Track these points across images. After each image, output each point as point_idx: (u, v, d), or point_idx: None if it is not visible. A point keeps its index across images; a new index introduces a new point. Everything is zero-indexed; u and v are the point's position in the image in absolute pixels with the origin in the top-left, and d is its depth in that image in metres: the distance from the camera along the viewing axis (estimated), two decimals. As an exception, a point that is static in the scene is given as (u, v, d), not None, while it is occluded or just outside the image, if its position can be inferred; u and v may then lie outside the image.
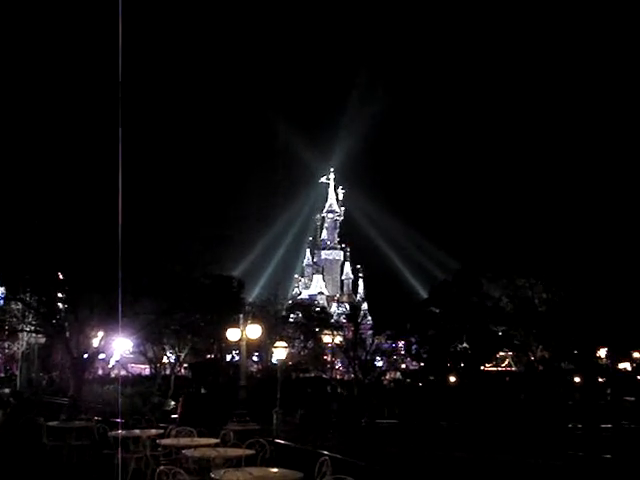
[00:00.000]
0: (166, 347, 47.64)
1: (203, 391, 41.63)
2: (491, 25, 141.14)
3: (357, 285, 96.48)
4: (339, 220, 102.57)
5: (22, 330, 34.37)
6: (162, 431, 14.47)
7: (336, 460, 10.03)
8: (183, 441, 12.69)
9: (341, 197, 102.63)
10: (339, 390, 48.68)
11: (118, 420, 17.12)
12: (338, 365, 61.02)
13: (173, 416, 29.03)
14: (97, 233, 24.96)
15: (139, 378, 50.37)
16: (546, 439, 25.68)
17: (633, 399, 40.86)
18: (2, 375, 49.07)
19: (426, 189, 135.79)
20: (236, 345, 29.30)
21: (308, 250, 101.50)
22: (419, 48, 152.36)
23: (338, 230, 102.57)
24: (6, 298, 31.52)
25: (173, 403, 35.51)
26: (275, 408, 24.25)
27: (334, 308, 75.02)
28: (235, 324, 20.22)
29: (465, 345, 49.70)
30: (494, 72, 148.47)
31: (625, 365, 52.03)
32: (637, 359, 51.82)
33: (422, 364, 53.35)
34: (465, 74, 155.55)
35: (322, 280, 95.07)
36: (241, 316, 20.64)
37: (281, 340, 32.55)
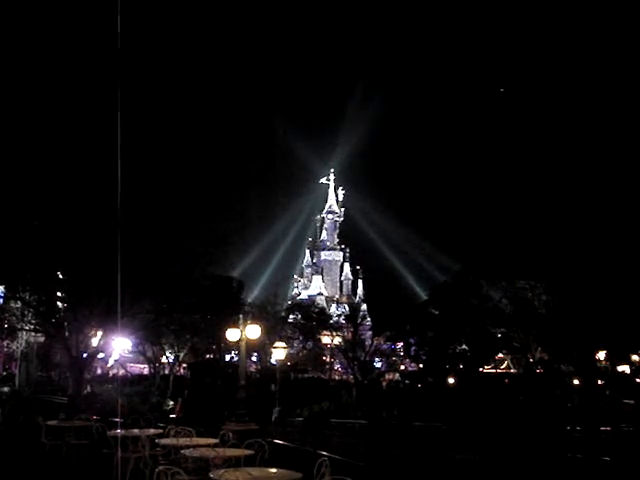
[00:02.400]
0: (165, 347, 47.68)
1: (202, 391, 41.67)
2: (491, 27, 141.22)
3: (356, 286, 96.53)
4: (339, 221, 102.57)
5: (21, 329, 34.36)
6: (161, 431, 14.47)
7: (335, 461, 10.03)
8: (182, 441, 12.68)
9: (341, 198, 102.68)
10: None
11: (117, 419, 17.13)
12: (337, 366, 61.08)
13: (172, 416, 29.07)
14: (97, 233, 24.98)
15: (138, 378, 50.45)
16: (545, 441, 25.67)
17: (632, 402, 40.85)
18: (2, 374, 49.12)
19: (426, 191, 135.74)
20: (235, 345, 29.31)
21: (308, 251, 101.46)
22: (420, 51, 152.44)
23: (338, 231, 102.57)
24: (5, 297, 31.54)
25: (172, 403, 35.55)
26: (275, 408, 24.36)
27: (333, 309, 75.09)
28: (234, 324, 20.21)
29: (464, 347, 49.74)
30: (494, 74, 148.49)
31: (624, 368, 52.05)
32: (636, 362, 51.84)
33: (421, 365, 53.39)
34: (466, 76, 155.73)
35: (321, 281, 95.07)
36: (241, 316, 20.62)
37: (280, 341, 32.62)
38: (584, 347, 45.76)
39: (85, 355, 28.57)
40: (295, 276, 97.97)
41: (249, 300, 53.39)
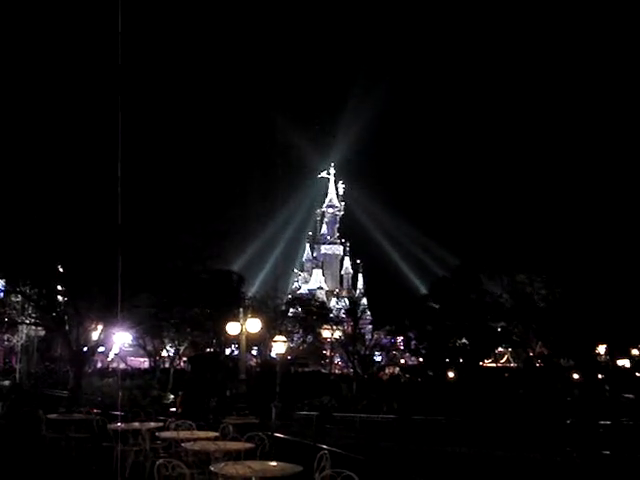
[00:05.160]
0: (165, 340, 47.77)
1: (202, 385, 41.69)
2: (491, 22, 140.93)
3: (356, 280, 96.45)
4: (339, 215, 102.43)
5: (22, 323, 34.44)
6: (161, 424, 14.49)
7: (335, 454, 10.05)
8: (182, 434, 12.70)
9: (341, 192, 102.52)
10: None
11: (117, 413, 17.14)
12: (337, 360, 61.15)
13: (172, 409, 29.08)
14: (97, 227, 24.98)
15: (138, 371, 50.53)
16: (544, 435, 25.71)
17: (632, 396, 40.90)
18: (3, 367, 49.17)
19: (427, 185, 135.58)
20: (235, 339, 29.35)
21: (308, 245, 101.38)
22: (420, 45, 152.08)
23: (338, 225, 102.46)
24: (6, 291, 31.57)
25: (172, 396, 35.59)
26: (274, 402, 24.31)
27: (333, 303, 75.05)
28: (235, 318, 20.29)
29: (464, 341, 49.79)
30: (495, 69, 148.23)
31: (624, 362, 52.12)
32: (636, 356, 51.89)
33: (421, 359, 53.45)
34: (466, 71, 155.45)
35: (321, 275, 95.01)
36: (241, 310, 20.68)
37: (280, 334, 32.55)
38: (584, 341, 45.81)
39: (85, 349, 28.63)
40: (295, 270, 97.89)
41: (249, 294, 53.39)
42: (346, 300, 69.69)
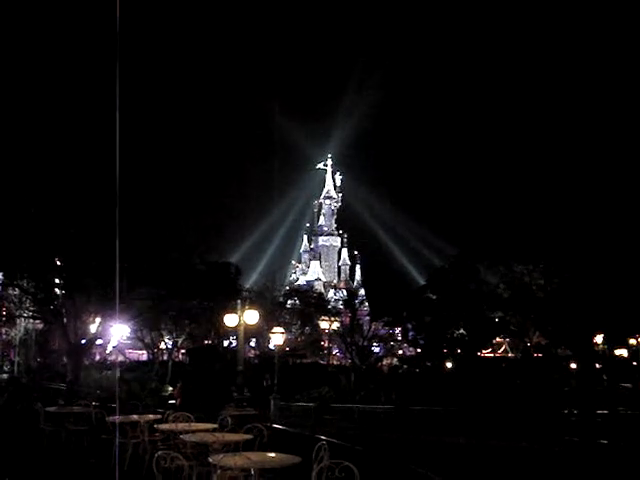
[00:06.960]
0: (163, 333, 47.76)
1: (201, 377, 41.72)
2: (490, 15, 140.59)
3: (354, 271, 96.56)
4: (337, 206, 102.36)
5: (20, 316, 34.43)
6: (160, 416, 14.49)
7: (334, 445, 10.05)
8: (181, 426, 12.69)
9: (339, 183, 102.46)
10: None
11: (116, 405, 17.13)
12: (335, 351, 61.13)
13: (171, 402, 29.13)
14: (95, 220, 24.97)
15: (136, 364, 50.53)
16: (542, 425, 25.78)
17: (629, 385, 41.02)
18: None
19: (424, 176, 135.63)
20: (233, 331, 29.35)
21: (305, 236, 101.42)
22: (418, 35, 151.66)
23: (335, 216, 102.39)
24: (4, 284, 31.56)
25: (170, 389, 35.64)
26: (272, 394, 24.39)
27: (331, 294, 75.07)
28: (233, 310, 20.28)
29: (462, 331, 49.80)
30: (492, 58, 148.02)
31: (622, 351, 52.19)
32: (633, 345, 51.99)
33: (419, 350, 53.48)
34: (464, 61, 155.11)
35: (319, 266, 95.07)
36: (239, 302, 20.67)
37: (278, 326, 32.58)
38: (582, 331, 45.87)
39: (83, 341, 28.66)
40: (293, 262, 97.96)
41: (247, 286, 53.46)
42: (344, 291, 69.64)
